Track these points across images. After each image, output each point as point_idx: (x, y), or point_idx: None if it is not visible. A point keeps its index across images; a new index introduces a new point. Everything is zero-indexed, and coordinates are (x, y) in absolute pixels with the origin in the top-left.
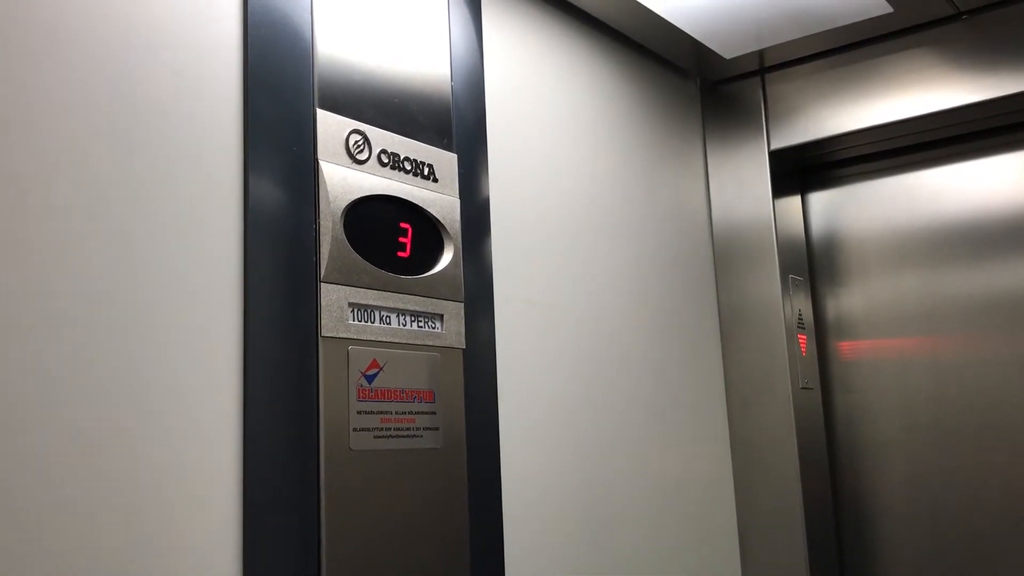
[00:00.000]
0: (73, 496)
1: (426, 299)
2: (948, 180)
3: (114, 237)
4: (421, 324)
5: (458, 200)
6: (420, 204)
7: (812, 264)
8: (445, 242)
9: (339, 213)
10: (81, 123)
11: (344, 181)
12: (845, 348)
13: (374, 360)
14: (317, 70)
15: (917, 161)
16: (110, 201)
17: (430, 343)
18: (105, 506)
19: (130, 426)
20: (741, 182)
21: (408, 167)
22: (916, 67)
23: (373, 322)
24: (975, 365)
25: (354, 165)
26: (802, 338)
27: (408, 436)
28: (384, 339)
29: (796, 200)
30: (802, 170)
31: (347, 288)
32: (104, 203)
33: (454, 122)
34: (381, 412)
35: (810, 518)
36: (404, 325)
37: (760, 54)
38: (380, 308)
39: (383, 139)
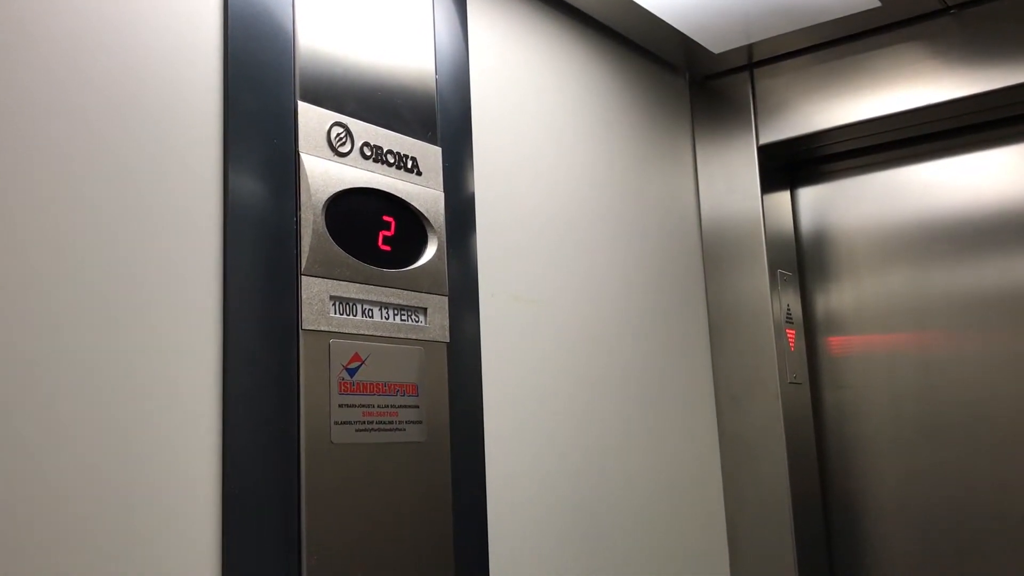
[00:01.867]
0: (49, 488)
1: (409, 292)
2: (937, 175)
3: (93, 230)
4: (404, 318)
5: (442, 193)
6: (403, 197)
7: (801, 259)
8: (429, 235)
9: (320, 206)
10: (60, 117)
11: (326, 174)
12: (834, 343)
13: (356, 353)
14: (299, 62)
15: (906, 156)
16: (89, 194)
17: (413, 337)
18: (82, 498)
19: (107, 418)
20: (730, 177)
21: (391, 160)
22: (904, 62)
23: (355, 315)
24: (964, 360)
25: (336, 158)
26: (790, 333)
27: (391, 430)
28: (366, 332)
29: (785, 195)
30: (791, 165)
31: (328, 281)
32: (83, 196)
33: (438, 115)
34: (363, 405)
35: (798, 513)
36: (387, 318)
37: (749, 49)
38: (362, 301)
39: (366, 132)
